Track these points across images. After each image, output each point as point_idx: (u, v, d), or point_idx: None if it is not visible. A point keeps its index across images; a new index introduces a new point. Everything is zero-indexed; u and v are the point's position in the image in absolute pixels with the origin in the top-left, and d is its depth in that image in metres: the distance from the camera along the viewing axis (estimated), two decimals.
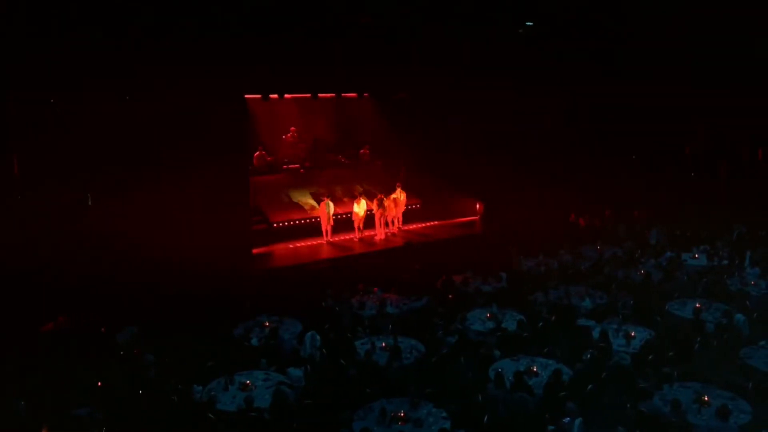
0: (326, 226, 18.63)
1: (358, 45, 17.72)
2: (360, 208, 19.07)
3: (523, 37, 19.61)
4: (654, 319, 13.13)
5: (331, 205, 18.50)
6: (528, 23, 18.51)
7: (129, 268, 14.02)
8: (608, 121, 21.75)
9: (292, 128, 20.72)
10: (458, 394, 10.28)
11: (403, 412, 9.69)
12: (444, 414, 9.75)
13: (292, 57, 16.71)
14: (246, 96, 18.01)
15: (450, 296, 14.88)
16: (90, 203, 14.66)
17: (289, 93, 19.15)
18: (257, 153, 19.72)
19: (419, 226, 20.94)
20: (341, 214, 19.22)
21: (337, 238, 19.00)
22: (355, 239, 19.15)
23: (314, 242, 18.78)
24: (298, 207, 19.97)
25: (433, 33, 18.80)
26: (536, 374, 10.80)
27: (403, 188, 20.02)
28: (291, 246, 18.52)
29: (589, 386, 10.18)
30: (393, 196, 19.70)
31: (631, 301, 13.84)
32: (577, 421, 8.99)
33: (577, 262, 17.09)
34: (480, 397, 10.16)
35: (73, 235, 13.89)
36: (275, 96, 18.71)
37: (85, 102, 14.54)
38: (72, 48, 13.84)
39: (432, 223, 21.25)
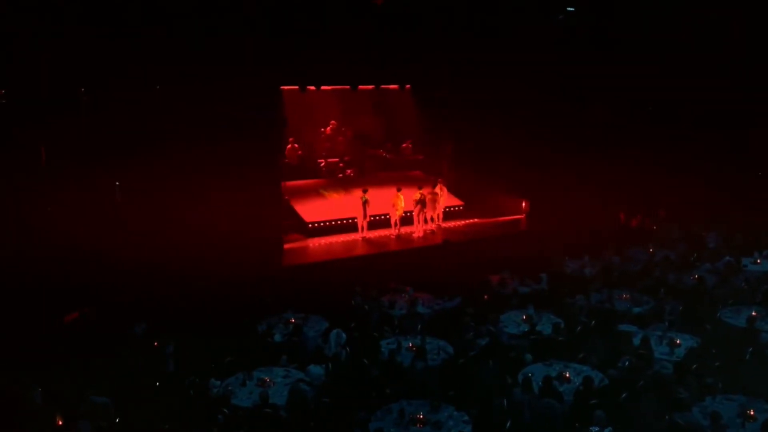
0: (362, 221, 18.12)
1: (399, 35, 17.18)
2: (398, 203, 18.39)
3: (563, 23, 18.66)
4: (703, 327, 12.25)
5: (368, 199, 17.88)
6: (569, 9, 17.56)
7: (158, 261, 13.90)
8: (664, 116, 20.68)
9: (332, 121, 20.41)
10: (482, 398, 9.78)
11: (423, 415, 9.32)
12: (465, 418, 9.34)
13: (330, 46, 16.25)
14: (282, 87, 17.71)
15: (485, 297, 14.28)
16: (118, 197, 14.59)
17: (326, 84, 18.70)
18: (288, 146, 19.42)
19: (460, 223, 20.14)
20: (378, 215, 18.63)
21: (372, 234, 18.43)
22: (391, 236, 18.55)
23: (349, 238, 18.27)
24: (334, 204, 19.54)
25: (477, 25, 18.18)
26: (568, 380, 10.22)
27: (445, 184, 19.37)
28: (324, 241, 18.07)
29: (623, 395, 9.52)
30: (433, 192, 18.91)
31: (680, 307, 12.97)
32: (607, 430, 8.48)
33: (625, 264, 16.22)
34: (505, 402, 9.62)
35: (100, 228, 13.87)
36: (312, 87, 18.31)
37: (117, 92, 14.54)
38: (103, 38, 13.85)
39: (474, 220, 20.36)
